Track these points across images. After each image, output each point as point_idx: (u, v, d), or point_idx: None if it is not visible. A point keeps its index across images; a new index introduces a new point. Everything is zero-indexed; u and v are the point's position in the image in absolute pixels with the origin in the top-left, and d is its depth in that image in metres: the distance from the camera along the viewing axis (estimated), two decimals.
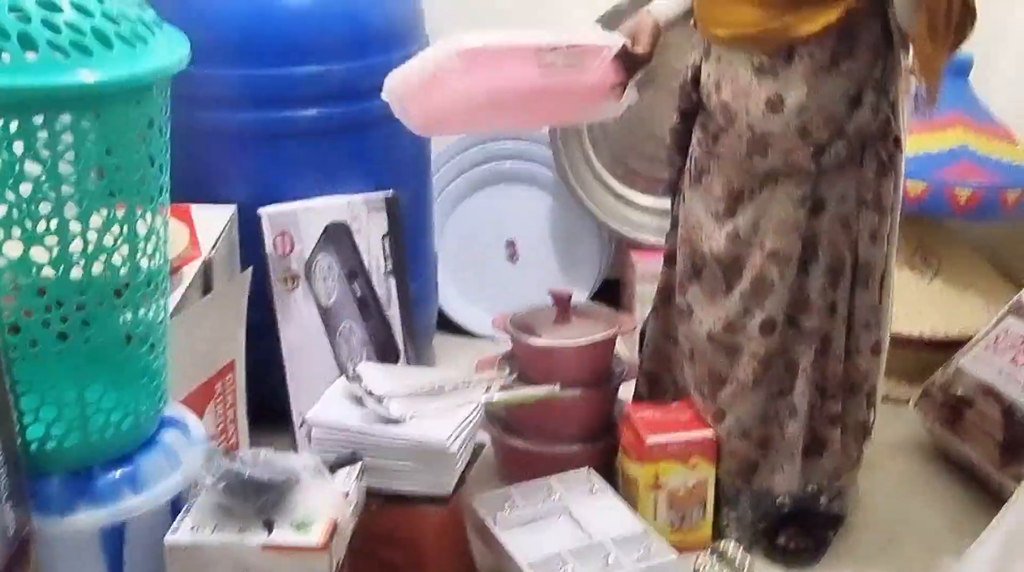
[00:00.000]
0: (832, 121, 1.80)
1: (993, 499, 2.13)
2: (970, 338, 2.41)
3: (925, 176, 2.49)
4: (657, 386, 2.18)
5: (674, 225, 2.08)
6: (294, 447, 2.23)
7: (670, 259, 2.10)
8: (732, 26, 1.79)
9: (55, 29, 1.29)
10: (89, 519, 1.48)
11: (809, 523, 2.05)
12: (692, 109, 1.97)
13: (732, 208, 1.90)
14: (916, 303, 2.58)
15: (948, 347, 2.47)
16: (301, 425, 2.20)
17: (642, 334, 2.24)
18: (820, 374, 1.95)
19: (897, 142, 1.85)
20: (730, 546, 1.62)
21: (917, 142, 2.46)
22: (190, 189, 1.95)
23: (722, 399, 1.99)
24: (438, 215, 2.77)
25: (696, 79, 1.92)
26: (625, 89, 1.94)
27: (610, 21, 2.42)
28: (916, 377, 2.47)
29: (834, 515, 2.07)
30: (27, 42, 1.27)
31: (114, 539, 1.50)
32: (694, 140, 1.97)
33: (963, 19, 1.72)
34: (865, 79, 1.80)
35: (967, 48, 2.62)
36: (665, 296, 2.13)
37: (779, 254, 1.87)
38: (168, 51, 1.41)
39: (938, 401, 2.33)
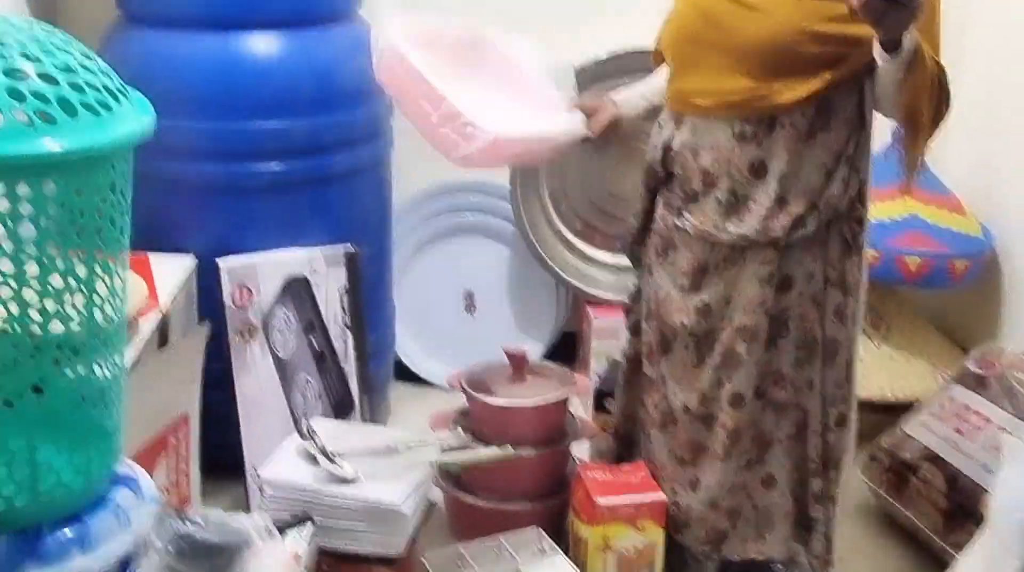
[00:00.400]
0: (809, 192, 1.82)
1: (936, 566, 2.17)
2: (916, 402, 2.46)
3: (876, 244, 2.52)
4: (635, 448, 2.16)
5: (636, 297, 2.09)
6: (246, 498, 2.23)
7: (635, 329, 2.10)
8: (716, 95, 1.81)
9: (20, 97, 1.29)
10: None
11: None
12: (656, 187, 1.99)
13: (698, 283, 1.91)
14: (864, 366, 2.62)
15: (894, 410, 2.51)
16: (255, 478, 2.20)
17: (601, 394, 2.26)
18: (801, 449, 1.96)
19: (860, 222, 1.88)
20: None
21: (873, 210, 2.53)
22: (149, 237, 1.95)
23: (698, 469, 1.99)
24: (397, 264, 2.79)
25: (665, 159, 1.93)
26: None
27: (587, 76, 2.49)
28: (861, 439, 2.49)
29: None
30: None
31: None
32: (657, 215, 1.98)
33: (939, 105, 1.75)
34: (839, 154, 1.82)
35: None
36: (634, 365, 2.12)
37: (747, 329, 1.88)
38: (133, 119, 1.41)
39: (884, 465, 2.37)
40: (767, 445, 1.96)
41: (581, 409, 2.42)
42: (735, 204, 1.84)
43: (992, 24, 2.74)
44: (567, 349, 2.94)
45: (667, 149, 1.91)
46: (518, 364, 2.25)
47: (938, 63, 1.73)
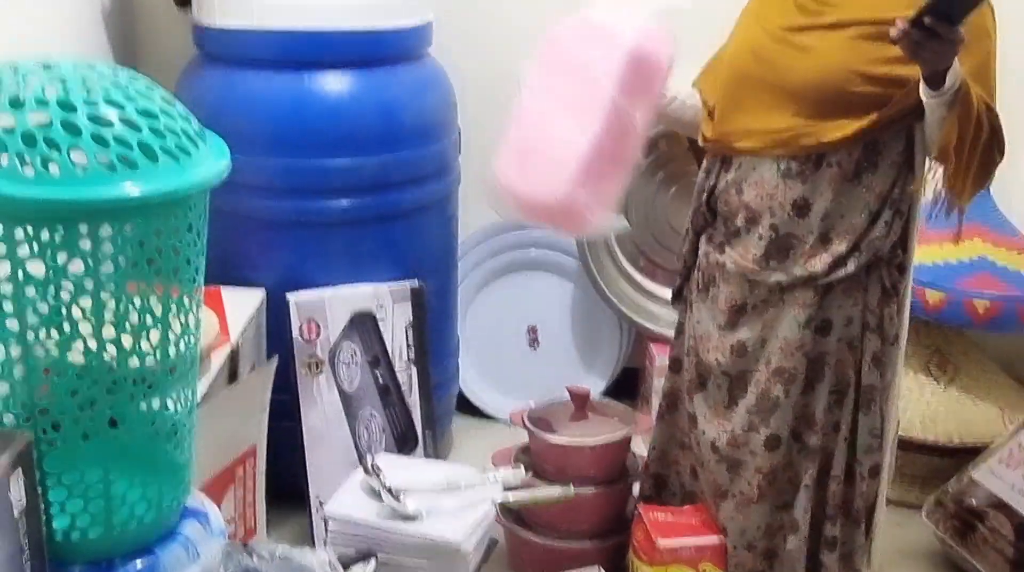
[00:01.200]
0: (851, 232, 1.82)
1: None
2: (984, 446, 2.42)
3: (944, 286, 2.51)
4: (664, 489, 2.17)
5: (680, 332, 2.09)
6: (310, 528, 2.25)
7: (676, 365, 2.11)
8: (762, 135, 1.82)
9: (103, 143, 1.33)
10: None
11: None
12: (703, 229, 1.98)
13: (735, 321, 1.91)
14: (930, 409, 2.59)
15: (961, 454, 2.48)
16: (319, 509, 2.22)
17: None
18: (821, 493, 1.95)
19: (901, 269, 1.87)
20: None
21: (937, 252, 2.49)
22: (221, 271, 1.98)
23: (723, 513, 1.99)
24: (462, 299, 2.81)
25: (710, 203, 1.94)
26: None
27: None
28: (927, 483, 2.48)
29: None
30: (78, 157, 1.32)
31: None
32: (701, 252, 1.99)
33: (990, 149, 1.74)
34: (884, 196, 1.82)
35: None
36: (671, 401, 2.13)
37: (785, 373, 1.88)
38: (210, 163, 1.45)
39: (950, 511, 2.33)
40: (796, 489, 1.95)
41: (643, 447, 2.41)
42: (776, 241, 1.84)
43: None
44: (629, 385, 2.94)
45: (712, 191, 1.92)
46: (580, 402, 2.25)
47: (990, 107, 1.72)
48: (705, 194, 1.94)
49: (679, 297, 2.09)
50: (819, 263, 1.82)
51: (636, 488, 2.28)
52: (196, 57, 2.41)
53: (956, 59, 1.60)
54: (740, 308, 1.90)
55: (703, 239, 1.98)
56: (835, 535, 1.96)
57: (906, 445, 2.39)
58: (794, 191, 1.81)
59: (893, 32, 1.55)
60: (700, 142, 1.94)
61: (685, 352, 2.05)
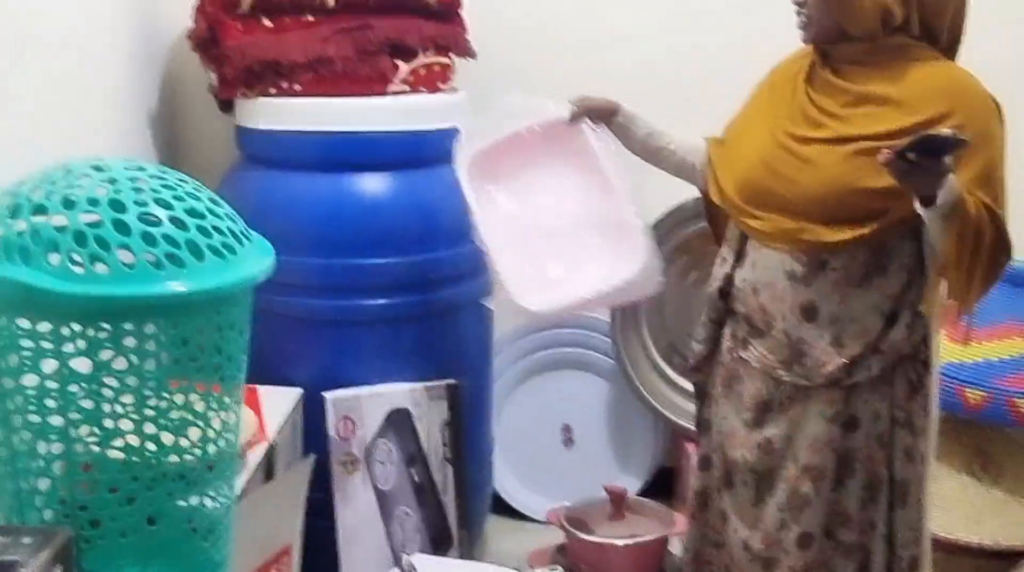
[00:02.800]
0: (865, 334, 1.81)
1: None
2: None
3: (985, 385, 2.48)
4: None
5: (706, 429, 2.06)
6: None
7: (705, 463, 2.07)
8: (771, 225, 1.84)
9: (152, 242, 1.35)
10: None
11: None
12: (720, 318, 1.98)
13: (761, 418, 1.90)
14: (975, 510, 2.54)
15: (1007, 557, 2.42)
16: None
17: None
18: None
19: (926, 364, 1.86)
20: None
21: (977, 350, 2.47)
22: (258, 369, 1.97)
23: None
24: (497, 397, 2.79)
25: (724, 291, 1.94)
26: None
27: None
28: None
29: None
30: (128, 254, 1.34)
31: None
32: (724, 347, 1.98)
33: (995, 253, 1.73)
34: (900, 298, 1.81)
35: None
36: (702, 500, 2.08)
37: (813, 469, 1.86)
38: (255, 261, 1.46)
39: None
40: None
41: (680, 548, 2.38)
42: (790, 345, 1.84)
43: None
44: (665, 484, 2.90)
45: (729, 281, 1.93)
46: (618, 501, 2.23)
47: (993, 212, 1.71)
48: (720, 281, 1.95)
49: (698, 388, 2.08)
50: (833, 367, 1.82)
51: None
52: (238, 159, 2.46)
53: (951, 175, 1.61)
54: (766, 405, 1.89)
55: (726, 334, 1.97)
56: None
57: (950, 547, 2.34)
58: (801, 295, 1.82)
59: (880, 159, 1.58)
60: (713, 197, 1.97)
61: (712, 448, 2.03)
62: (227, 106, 2.46)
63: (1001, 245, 1.73)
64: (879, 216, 1.76)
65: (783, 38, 1.89)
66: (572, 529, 2.17)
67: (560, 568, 1.98)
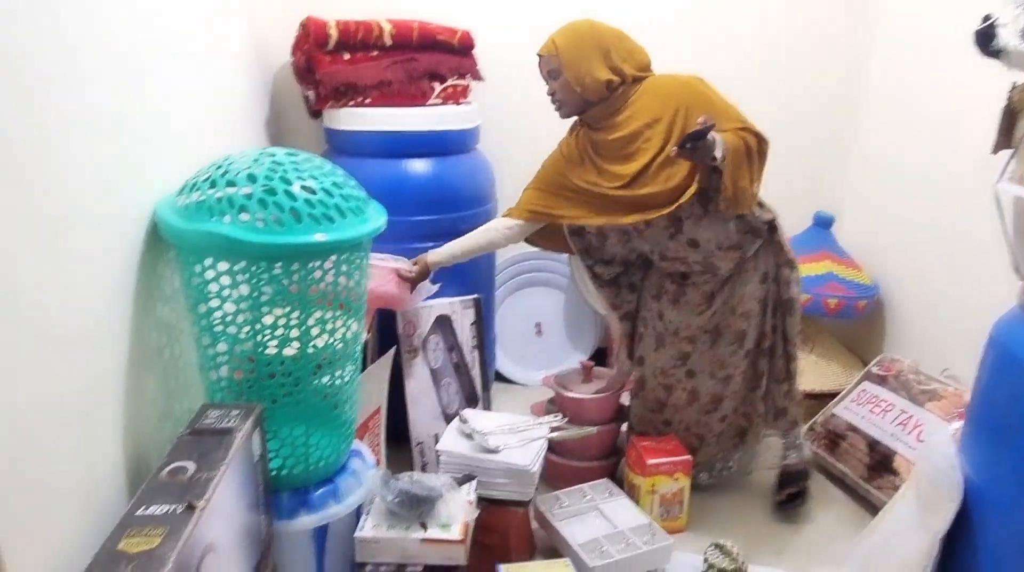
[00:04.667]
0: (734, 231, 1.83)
1: (863, 502, 2.10)
2: (836, 392, 2.40)
3: (807, 290, 2.49)
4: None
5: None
6: (411, 460, 2.17)
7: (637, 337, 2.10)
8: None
9: (311, 206, 1.26)
10: (307, 522, 1.43)
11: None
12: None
13: (709, 302, 1.92)
14: (802, 369, 2.57)
15: (822, 397, 2.45)
16: (416, 445, 2.14)
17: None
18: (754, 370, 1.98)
19: (771, 226, 1.87)
20: (728, 542, 1.56)
21: (803, 269, 2.47)
22: None
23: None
24: (496, 305, 2.73)
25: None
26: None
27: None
28: (803, 417, 2.45)
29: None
30: (296, 214, 1.24)
31: (321, 535, 1.45)
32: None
33: (761, 144, 1.72)
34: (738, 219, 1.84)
35: (831, 209, 2.65)
36: (640, 385, 2.09)
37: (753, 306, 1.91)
38: (375, 219, 1.38)
39: (820, 434, 2.30)
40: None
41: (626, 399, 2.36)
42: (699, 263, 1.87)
43: (879, 125, 2.70)
44: (599, 358, 2.87)
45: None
46: (587, 370, 2.19)
47: (745, 129, 1.69)
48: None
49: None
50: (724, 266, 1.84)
51: (624, 426, 2.23)
52: (326, 151, 2.32)
53: (716, 137, 1.61)
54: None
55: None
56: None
57: None
58: (686, 235, 1.83)
59: (672, 154, 1.62)
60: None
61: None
62: (316, 114, 2.32)
63: (759, 145, 1.72)
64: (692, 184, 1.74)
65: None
66: (559, 388, 2.12)
67: (560, 414, 1.94)
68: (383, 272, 1.94)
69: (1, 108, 0.95)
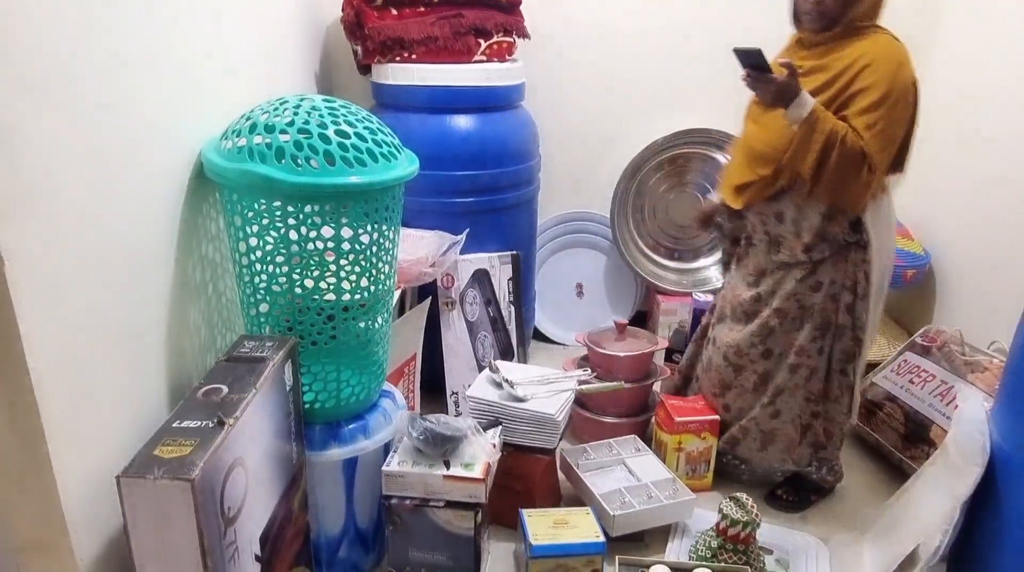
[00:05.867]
0: (813, 229, 1.73)
1: (895, 472, 2.08)
2: (879, 362, 2.36)
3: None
4: (689, 384, 2.13)
5: (719, 291, 2.03)
6: (446, 409, 2.24)
7: (711, 310, 2.06)
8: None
9: (345, 149, 1.31)
10: (337, 454, 1.50)
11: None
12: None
13: (757, 281, 1.88)
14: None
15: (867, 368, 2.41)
16: (451, 395, 2.20)
17: (669, 352, 2.20)
18: (808, 389, 1.88)
19: (863, 246, 1.74)
20: (743, 495, 1.58)
21: None
22: None
23: (728, 398, 1.95)
24: (537, 264, 2.76)
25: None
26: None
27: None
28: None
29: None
30: (329, 157, 1.29)
31: (350, 467, 1.52)
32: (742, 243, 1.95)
33: (856, 162, 1.58)
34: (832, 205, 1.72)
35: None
36: (703, 332, 2.08)
37: (781, 312, 1.83)
38: (406, 165, 1.42)
39: (859, 403, 2.27)
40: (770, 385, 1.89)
41: (659, 360, 2.37)
42: (770, 241, 1.81)
43: (937, 91, 2.61)
44: (639, 322, 2.89)
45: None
46: (621, 329, 2.21)
47: (859, 135, 1.55)
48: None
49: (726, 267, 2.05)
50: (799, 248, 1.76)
51: (656, 385, 2.25)
52: (374, 105, 2.37)
53: (805, 94, 1.53)
54: (762, 271, 1.87)
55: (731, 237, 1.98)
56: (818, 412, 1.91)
57: None
58: (773, 207, 1.77)
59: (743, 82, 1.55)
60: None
61: (718, 301, 2.01)
62: (365, 70, 2.36)
63: (866, 161, 1.58)
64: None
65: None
66: (592, 345, 2.15)
67: (589, 369, 1.97)
68: (416, 247, 1.96)
69: (67, 41, 1.02)
